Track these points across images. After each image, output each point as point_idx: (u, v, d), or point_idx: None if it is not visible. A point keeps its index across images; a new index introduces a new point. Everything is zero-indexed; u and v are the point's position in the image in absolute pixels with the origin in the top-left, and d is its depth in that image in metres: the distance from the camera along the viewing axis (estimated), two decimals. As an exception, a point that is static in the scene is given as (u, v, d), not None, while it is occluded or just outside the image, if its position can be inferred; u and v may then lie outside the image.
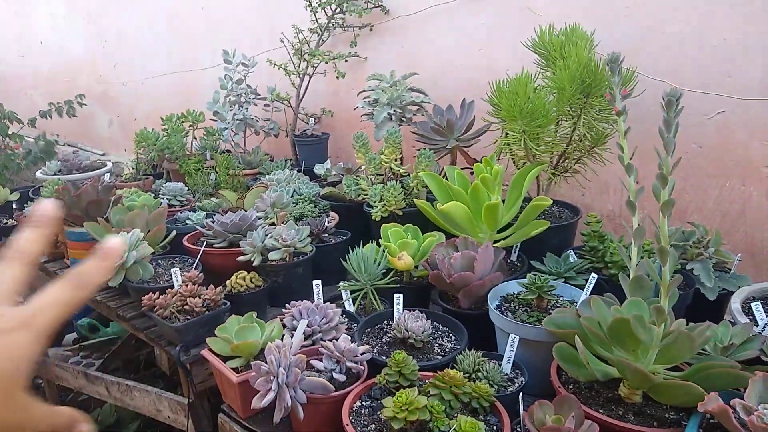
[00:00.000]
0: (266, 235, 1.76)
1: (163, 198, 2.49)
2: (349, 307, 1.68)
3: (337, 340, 1.42)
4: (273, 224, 1.92)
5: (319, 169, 2.73)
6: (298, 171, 2.72)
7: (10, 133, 4.03)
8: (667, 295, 1.12)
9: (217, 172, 2.71)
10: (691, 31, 1.90)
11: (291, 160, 2.99)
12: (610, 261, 1.59)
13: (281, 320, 1.50)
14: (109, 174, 3.03)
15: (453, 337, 1.52)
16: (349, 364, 1.29)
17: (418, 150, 2.14)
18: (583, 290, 1.57)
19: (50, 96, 4.63)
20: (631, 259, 1.36)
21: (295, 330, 1.46)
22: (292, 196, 2.32)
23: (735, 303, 1.54)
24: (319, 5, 2.75)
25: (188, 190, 2.61)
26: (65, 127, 5.15)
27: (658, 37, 1.98)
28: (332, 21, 2.81)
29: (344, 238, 1.99)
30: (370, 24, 2.76)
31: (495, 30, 2.41)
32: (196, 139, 3.05)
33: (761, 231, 1.88)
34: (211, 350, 1.42)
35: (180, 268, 1.81)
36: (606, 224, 2.18)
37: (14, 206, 3.00)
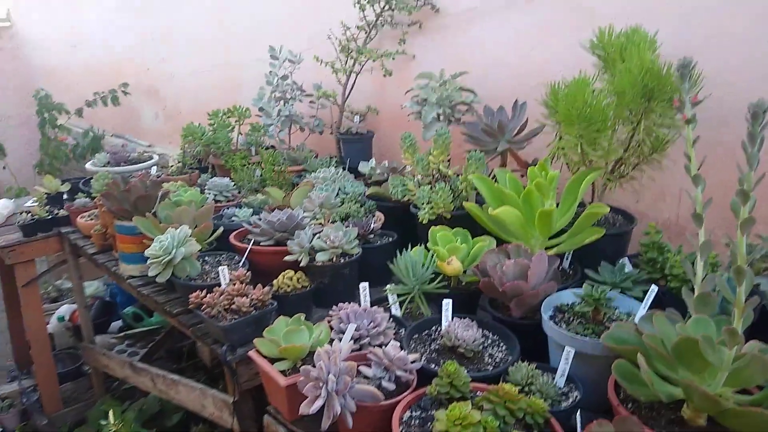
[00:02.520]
0: (314, 236, 1.74)
1: (209, 193, 2.50)
2: (396, 311, 1.65)
3: (385, 345, 1.39)
4: (320, 224, 1.90)
5: (363, 168, 2.70)
6: (343, 169, 2.71)
7: (58, 124, 4.12)
8: (742, 316, 1.06)
9: (262, 168, 2.71)
10: (759, 33, 1.81)
11: (335, 157, 2.98)
12: (670, 273, 1.52)
13: (328, 323, 1.48)
14: (156, 167, 3.07)
15: (503, 347, 1.48)
16: (398, 372, 1.26)
17: (468, 151, 2.10)
18: (639, 302, 1.51)
19: (99, 88, 4.73)
20: (696, 273, 1.30)
21: (342, 333, 1.45)
22: (337, 194, 2.31)
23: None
24: (368, 2, 2.72)
25: (234, 185, 2.62)
26: (113, 119, 5.26)
27: (724, 38, 1.88)
28: (381, 18, 2.77)
29: (390, 239, 1.96)
30: (419, 21, 2.72)
31: (548, 30, 2.34)
32: (241, 134, 3.06)
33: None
34: (258, 351, 1.41)
35: (227, 266, 1.81)
36: (665, 232, 2.10)
37: (65, 197, 3.07)
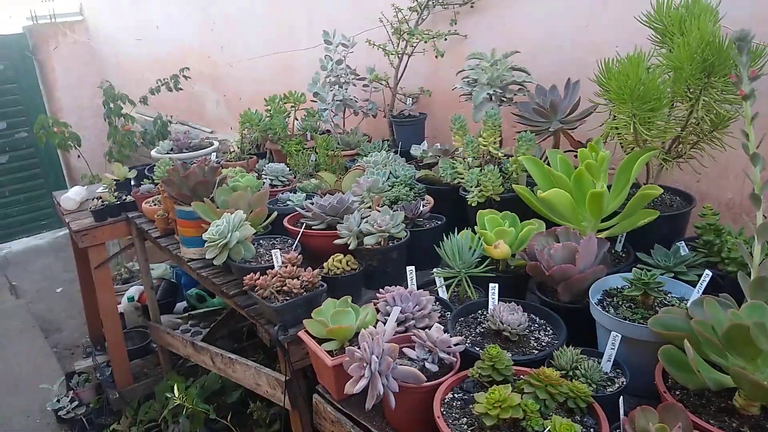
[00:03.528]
0: (362, 220, 1.77)
1: (265, 178, 2.57)
2: (443, 294, 1.66)
3: (429, 328, 1.41)
4: (369, 208, 1.93)
5: (415, 151, 2.70)
6: (395, 152, 2.72)
7: (123, 113, 4.31)
8: (797, 302, 1.02)
9: (317, 153, 2.76)
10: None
11: (388, 140, 2.99)
12: (728, 257, 1.47)
13: (375, 305, 1.51)
14: (215, 153, 3.17)
15: (550, 331, 1.47)
16: (441, 354, 1.28)
17: (519, 132, 2.07)
18: (694, 287, 1.46)
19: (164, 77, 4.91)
20: (753, 257, 1.25)
21: (388, 316, 1.47)
22: (388, 178, 2.32)
23: None
24: (420, -17, 2.70)
25: (290, 170, 2.68)
26: (179, 107, 5.45)
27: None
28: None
29: (439, 223, 1.96)
30: (471, 1, 2.68)
31: (603, 4, 2.26)
32: (297, 119, 3.12)
33: None
34: (307, 332, 1.45)
35: (280, 249, 1.86)
36: (724, 214, 2.01)
37: (132, 183, 3.22)
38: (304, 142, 2.93)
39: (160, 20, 5.65)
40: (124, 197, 3.00)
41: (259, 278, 1.65)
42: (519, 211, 1.83)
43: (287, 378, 1.67)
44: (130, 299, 3.75)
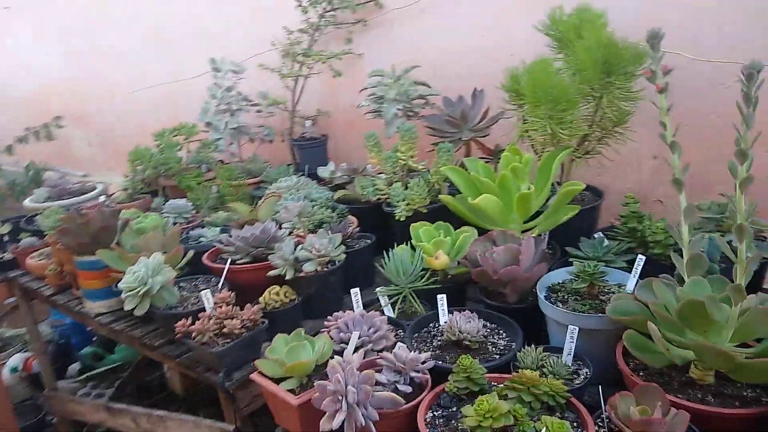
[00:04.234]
0: (296, 247, 1.70)
1: (168, 216, 2.40)
2: (389, 312, 1.62)
3: (389, 349, 1.37)
4: (299, 235, 1.86)
5: (323, 172, 2.66)
6: (302, 175, 2.65)
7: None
8: (744, 272, 1.09)
9: (218, 185, 2.63)
10: (708, 2, 1.88)
11: (291, 165, 2.92)
12: (653, 240, 1.56)
13: (328, 333, 1.44)
14: (104, 196, 2.93)
15: (504, 334, 1.48)
16: (412, 374, 1.24)
17: (434, 144, 2.09)
18: (624, 273, 1.55)
19: (24, 120, 4.47)
20: (682, 237, 1.33)
21: (343, 343, 1.41)
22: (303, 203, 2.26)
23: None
24: (310, 4, 2.68)
25: (192, 206, 2.52)
26: (42, 152, 4.98)
27: (671, 10, 1.95)
28: (324, 19, 2.73)
29: (369, 241, 1.93)
30: (363, 20, 2.70)
31: (496, 16, 2.36)
32: (190, 152, 2.96)
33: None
34: (261, 373, 1.35)
35: (206, 289, 1.74)
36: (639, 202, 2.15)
37: (5, 239, 2.88)
38: (202, 174, 2.79)
39: (14, 56, 5.16)
40: (0, 255, 2.67)
41: (193, 324, 1.52)
42: (444, 220, 1.85)
43: (236, 427, 1.54)
44: (14, 370, 3.32)
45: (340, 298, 1.79)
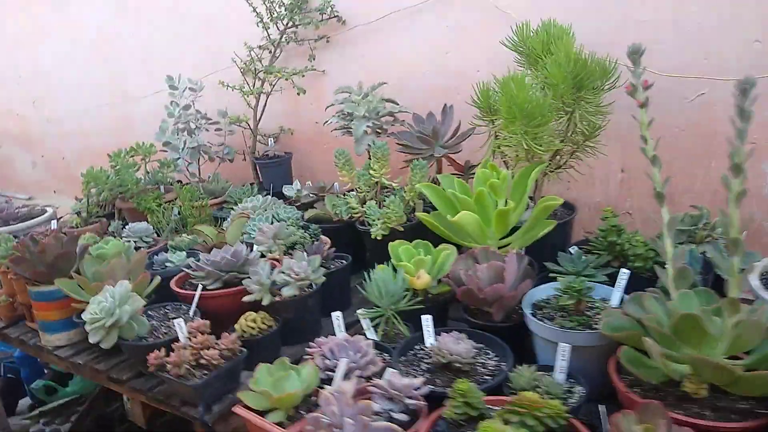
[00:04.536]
0: (272, 270, 1.64)
1: (129, 241, 2.29)
2: (372, 335, 1.58)
3: (379, 375, 1.33)
4: (275, 258, 1.79)
5: (288, 191, 2.60)
6: (267, 195, 2.59)
7: None
8: (737, 285, 1.10)
9: (180, 206, 2.53)
10: (665, 18, 1.93)
11: (254, 184, 2.84)
12: (634, 254, 1.57)
13: (311, 360, 1.38)
14: (54, 220, 2.78)
15: (492, 354, 1.46)
16: (407, 401, 1.20)
17: (407, 161, 2.07)
18: (607, 287, 1.55)
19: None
20: (666, 250, 1.34)
21: (329, 371, 1.36)
22: (272, 223, 2.19)
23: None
24: (271, 20, 2.63)
25: (153, 229, 2.42)
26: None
27: (631, 26, 1.99)
28: (285, 35, 2.69)
29: (345, 262, 1.88)
30: (326, 36, 2.67)
31: (461, 32, 2.37)
32: (149, 172, 2.85)
33: (750, 206, 1.93)
34: (245, 405, 1.29)
35: (177, 318, 1.65)
36: (594, 216, 2.18)
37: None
38: (162, 196, 2.68)
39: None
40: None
41: (167, 355, 1.43)
42: (420, 237, 1.82)
43: (216, 462, 1.46)
44: (-43, 408, 3.10)
45: (319, 321, 1.73)
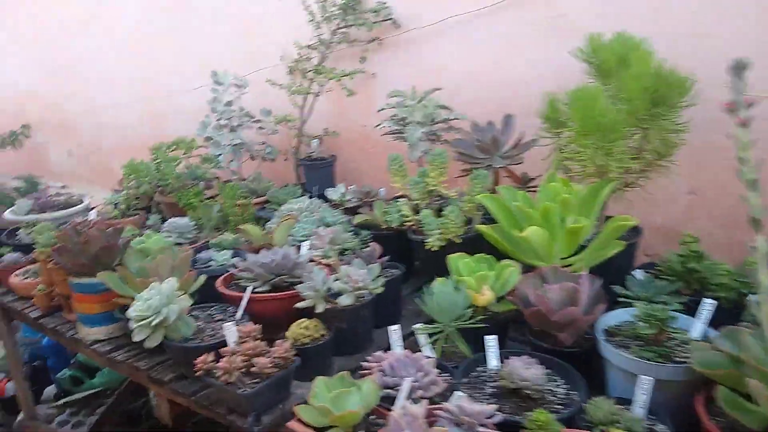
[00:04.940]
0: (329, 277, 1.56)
1: (168, 236, 2.23)
2: (429, 352, 1.49)
3: (442, 397, 1.24)
4: (329, 264, 1.71)
5: (332, 194, 2.52)
6: (310, 197, 2.52)
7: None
8: None
9: (221, 204, 2.47)
10: (747, 31, 1.82)
11: (295, 185, 2.78)
12: (717, 283, 1.47)
13: (371, 377, 1.30)
14: (94, 211, 2.73)
15: (561, 381, 1.36)
16: (479, 429, 1.11)
17: (466, 170, 1.99)
18: (683, 315, 1.45)
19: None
20: (762, 282, 1.24)
21: (388, 388, 1.28)
22: (318, 227, 2.12)
23: None
24: (324, 19, 2.57)
25: (194, 225, 2.36)
26: (15, 160, 4.73)
27: (709, 39, 1.89)
28: (336, 36, 2.62)
29: (397, 272, 1.80)
30: (378, 38, 2.59)
31: (516, 41, 2.28)
32: (189, 168, 2.79)
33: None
34: (301, 420, 1.21)
35: (224, 320, 1.58)
36: (655, 239, 2.08)
37: (-17, 253, 2.66)
38: (202, 192, 2.62)
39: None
40: (-24, 272, 2.45)
41: (217, 360, 1.36)
42: (476, 250, 1.73)
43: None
44: (-17, 394, 3.07)
45: (371, 332, 1.65)
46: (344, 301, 1.50)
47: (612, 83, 1.77)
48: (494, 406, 1.15)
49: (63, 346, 3.03)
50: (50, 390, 3.19)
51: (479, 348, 1.46)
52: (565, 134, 1.83)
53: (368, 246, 1.92)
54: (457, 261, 1.62)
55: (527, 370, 1.28)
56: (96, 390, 3.09)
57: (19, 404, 2.57)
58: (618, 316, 1.48)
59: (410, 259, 2.01)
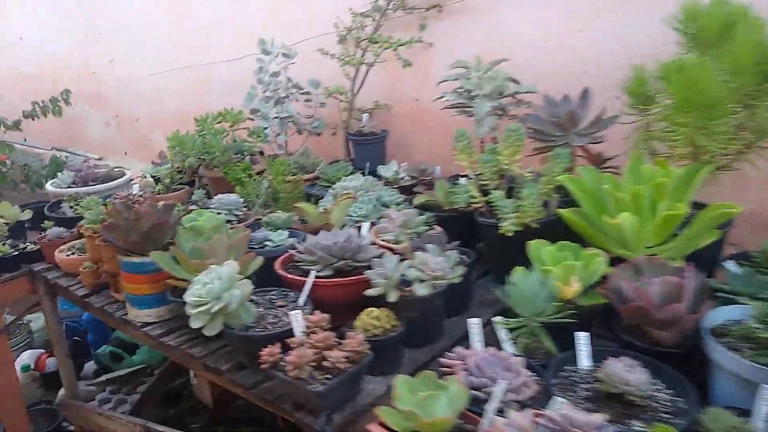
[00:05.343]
0: (401, 263, 1.44)
1: (218, 213, 2.13)
2: (509, 349, 1.36)
3: (536, 401, 1.12)
4: (390, 248, 1.59)
5: (385, 172, 2.40)
6: (362, 174, 2.39)
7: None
8: None
9: (270, 180, 2.35)
10: None
11: (345, 161, 2.65)
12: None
13: (456, 377, 1.18)
14: (137, 185, 2.65)
15: (662, 385, 1.23)
16: (588, 442, 0.98)
17: (536, 149, 1.84)
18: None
19: (33, 97, 4.16)
20: None
21: (474, 389, 1.16)
22: (375, 206, 2.00)
23: None
24: (380, -16, 2.42)
25: (243, 202, 2.25)
26: (51, 131, 4.69)
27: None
28: (393, 2, 2.47)
29: (469, 258, 1.67)
30: (438, 5, 2.43)
31: (592, 10, 2.11)
32: (235, 141, 2.68)
33: None
34: (382, 424, 1.09)
35: (287, 307, 1.48)
36: (743, 227, 1.91)
37: (26, 225, 2.60)
38: (251, 167, 2.51)
39: (25, 30, 4.86)
40: (22, 245, 2.39)
41: (285, 353, 1.25)
42: (554, 236, 1.59)
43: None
44: (25, 368, 3.04)
45: (442, 324, 1.53)
46: (420, 290, 1.37)
47: (711, 55, 1.60)
48: (603, 416, 1.02)
49: (103, 322, 2.98)
50: (90, 366, 3.16)
51: (562, 345, 1.33)
52: (653, 111, 1.68)
53: (432, 228, 1.80)
54: (540, 248, 1.49)
55: (631, 374, 1.15)
56: (137, 367, 3.05)
57: (62, 381, 2.51)
58: (723, 314, 1.33)
59: (472, 244, 1.88)
